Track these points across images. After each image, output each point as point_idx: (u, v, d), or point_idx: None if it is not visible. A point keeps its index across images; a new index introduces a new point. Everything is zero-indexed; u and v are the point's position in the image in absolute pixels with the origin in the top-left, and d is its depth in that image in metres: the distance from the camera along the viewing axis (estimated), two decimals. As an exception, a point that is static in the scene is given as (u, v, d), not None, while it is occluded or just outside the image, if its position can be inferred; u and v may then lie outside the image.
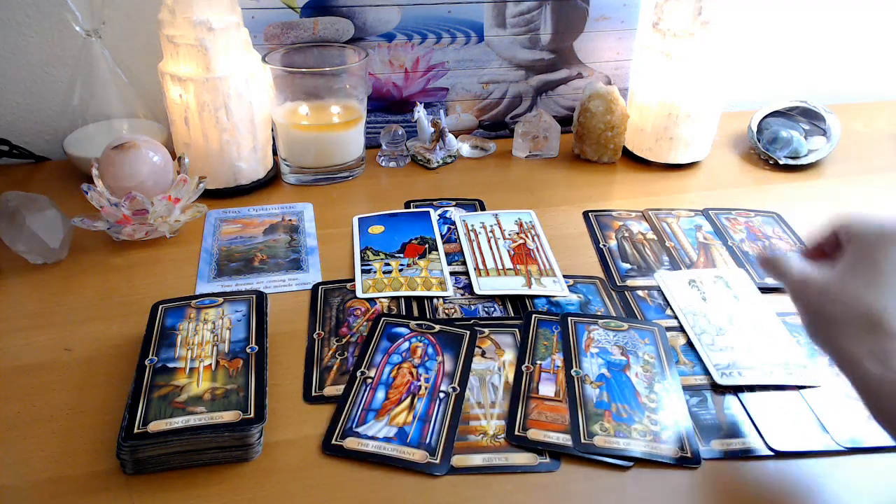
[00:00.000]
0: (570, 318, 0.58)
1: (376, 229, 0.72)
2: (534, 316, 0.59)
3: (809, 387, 0.52)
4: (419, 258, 0.67)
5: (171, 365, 0.50)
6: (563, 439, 0.47)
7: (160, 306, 0.57)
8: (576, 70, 0.92)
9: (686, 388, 0.52)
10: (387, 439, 0.47)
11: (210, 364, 0.51)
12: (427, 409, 0.50)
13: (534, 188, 0.81)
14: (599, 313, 0.60)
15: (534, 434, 0.48)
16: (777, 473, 0.46)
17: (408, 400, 0.50)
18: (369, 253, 0.68)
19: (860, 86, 1.12)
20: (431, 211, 0.75)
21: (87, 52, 0.77)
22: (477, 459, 0.46)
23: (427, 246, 0.69)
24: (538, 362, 0.54)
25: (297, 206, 0.76)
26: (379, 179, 0.84)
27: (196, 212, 0.71)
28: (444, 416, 0.49)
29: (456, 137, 0.88)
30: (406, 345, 0.56)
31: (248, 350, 0.52)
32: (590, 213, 0.76)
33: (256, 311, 0.56)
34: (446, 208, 0.76)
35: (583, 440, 0.47)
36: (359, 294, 0.62)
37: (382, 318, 0.58)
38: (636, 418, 0.49)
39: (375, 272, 0.65)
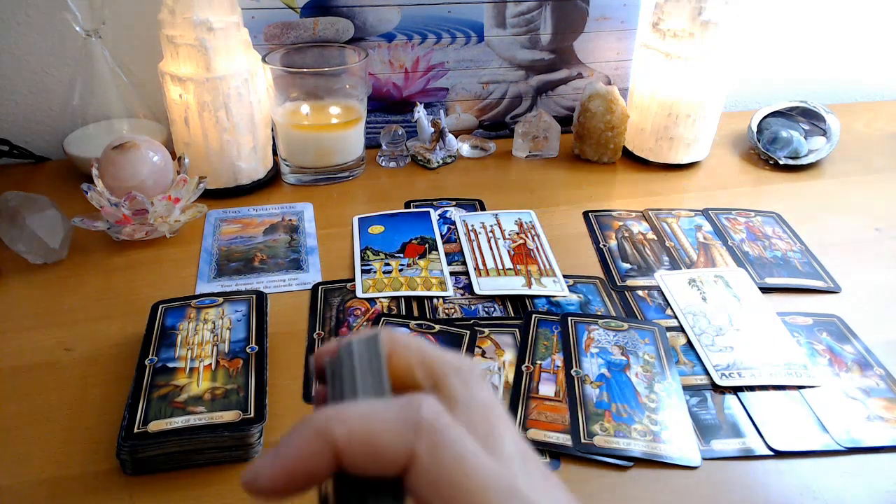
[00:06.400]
0: (570, 318, 0.58)
1: (376, 229, 0.72)
2: (534, 316, 0.59)
3: (809, 387, 0.52)
4: (419, 258, 0.67)
5: (171, 365, 0.50)
6: (563, 439, 0.47)
7: (160, 306, 0.57)
8: (576, 70, 0.92)
9: (686, 388, 0.52)
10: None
11: (210, 364, 0.51)
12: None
13: (534, 188, 0.81)
14: (599, 313, 0.60)
15: (534, 434, 0.48)
16: (777, 473, 0.46)
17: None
18: (369, 253, 0.68)
19: (860, 86, 1.12)
20: (431, 211, 0.75)
21: (87, 52, 0.77)
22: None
23: (427, 246, 0.69)
24: (538, 362, 0.54)
25: (297, 206, 0.76)
26: (379, 179, 0.84)
27: (196, 212, 0.71)
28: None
29: (456, 137, 0.88)
30: (406, 345, 0.55)
31: (248, 350, 0.52)
32: (590, 213, 0.75)
33: (256, 311, 0.56)
34: (446, 208, 0.76)
35: (583, 440, 0.47)
36: (359, 294, 0.62)
37: (382, 318, 0.58)
38: (636, 418, 0.49)
39: (375, 272, 0.65)
